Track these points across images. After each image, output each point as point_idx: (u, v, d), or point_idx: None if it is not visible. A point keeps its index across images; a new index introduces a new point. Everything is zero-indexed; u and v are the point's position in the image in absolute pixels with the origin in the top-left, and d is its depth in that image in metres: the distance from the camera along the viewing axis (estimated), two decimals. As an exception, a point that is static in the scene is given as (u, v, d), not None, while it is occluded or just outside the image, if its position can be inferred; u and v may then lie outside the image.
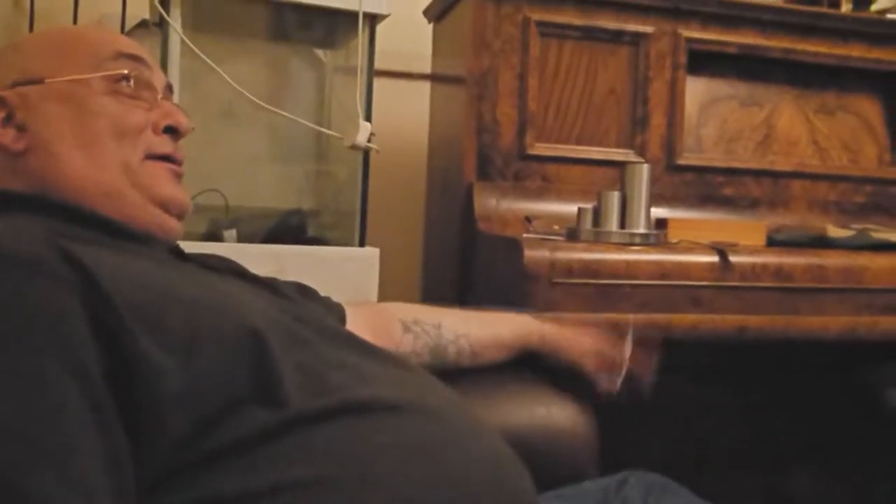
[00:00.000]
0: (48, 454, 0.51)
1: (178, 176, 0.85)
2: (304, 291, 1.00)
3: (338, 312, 1.02)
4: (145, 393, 0.57)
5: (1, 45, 1.54)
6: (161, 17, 1.38)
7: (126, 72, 0.82)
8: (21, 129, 0.79)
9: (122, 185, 0.79)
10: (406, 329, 1.05)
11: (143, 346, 0.58)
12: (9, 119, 0.79)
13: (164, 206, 0.82)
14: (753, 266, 1.44)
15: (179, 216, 0.84)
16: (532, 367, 1.11)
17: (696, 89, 1.76)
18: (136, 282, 0.62)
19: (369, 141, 1.43)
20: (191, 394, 0.59)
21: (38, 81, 0.80)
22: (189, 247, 0.89)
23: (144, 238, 0.79)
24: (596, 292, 1.36)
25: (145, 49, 0.87)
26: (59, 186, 0.77)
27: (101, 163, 0.78)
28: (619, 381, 1.09)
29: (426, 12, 1.91)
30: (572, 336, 1.12)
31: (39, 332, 0.55)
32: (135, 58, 0.84)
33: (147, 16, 1.59)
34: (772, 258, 1.46)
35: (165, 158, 0.84)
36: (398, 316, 1.07)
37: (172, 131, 0.84)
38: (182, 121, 0.85)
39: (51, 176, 0.77)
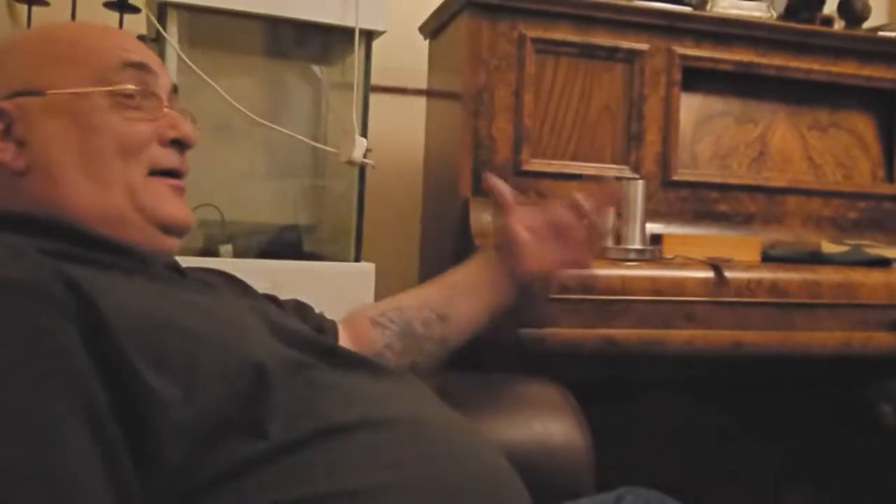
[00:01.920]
0: (54, 496, 0.51)
1: (181, 191, 0.83)
2: (302, 310, 0.99)
3: (332, 331, 1.02)
4: (146, 424, 0.56)
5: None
6: (158, 33, 1.39)
7: (131, 86, 0.79)
8: (21, 143, 0.76)
9: (125, 209, 0.77)
10: (374, 324, 1.04)
11: (144, 378, 0.57)
12: (7, 132, 0.77)
13: (166, 228, 0.80)
14: (748, 282, 1.44)
15: (180, 235, 0.83)
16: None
17: (690, 106, 1.77)
18: (137, 309, 0.61)
19: (365, 156, 1.43)
20: (189, 425, 0.58)
21: (38, 93, 0.77)
22: (185, 262, 0.89)
23: (142, 255, 0.77)
24: (591, 308, 1.36)
25: (145, 47, 0.84)
26: (60, 210, 0.75)
27: (104, 185, 0.76)
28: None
29: (422, 29, 1.92)
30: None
31: (44, 367, 0.54)
32: (140, 66, 0.81)
33: (144, 31, 1.59)
34: (767, 274, 1.46)
35: (169, 172, 0.81)
36: (367, 314, 1.05)
37: (178, 143, 0.82)
38: (188, 132, 0.82)
39: (54, 199, 0.75)
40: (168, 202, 0.80)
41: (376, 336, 1.03)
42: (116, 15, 1.70)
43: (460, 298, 1.07)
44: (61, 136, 0.76)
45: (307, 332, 0.83)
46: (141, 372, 0.57)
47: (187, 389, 0.59)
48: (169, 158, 0.81)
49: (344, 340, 1.02)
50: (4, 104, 0.77)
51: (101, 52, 0.80)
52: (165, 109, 0.82)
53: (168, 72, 0.86)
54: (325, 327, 1.01)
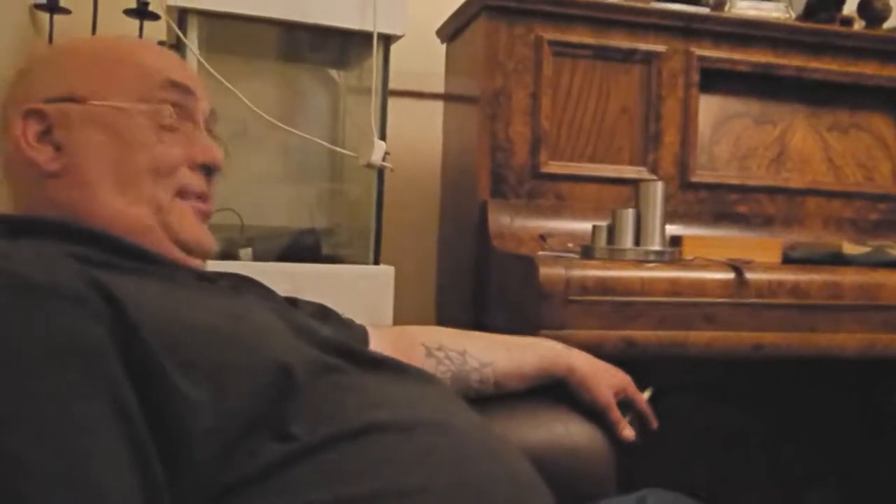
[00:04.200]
0: (83, 498, 0.51)
1: (206, 215, 0.84)
2: (325, 313, 1.00)
3: (361, 334, 1.02)
4: (175, 426, 0.57)
5: (17, 66, 1.55)
6: (178, 39, 1.40)
7: (170, 107, 0.80)
8: (57, 147, 0.78)
9: (151, 224, 0.78)
10: (429, 353, 1.04)
11: (173, 381, 0.57)
12: (46, 134, 0.78)
13: (187, 249, 0.81)
14: (769, 283, 1.43)
15: (203, 257, 0.84)
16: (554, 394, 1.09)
17: (708, 107, 1.76)
18: (164, 314, 0.61)
19: (384, 160, 1.44)
20: (218, 427, 0.59)
21: (81, 101, 0.78)
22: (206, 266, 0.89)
23: (168, 263, 0.78)
24: (611, 309, 1.36)
25: (192, 71, 0.87)
26: (88, 216, 0.76)
27: (132, 200, 0.78)
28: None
29: (439, 32, 1.92)
30: (601, 370, 1.09)
31: (76, 369, 0.54)
32: (184, 88, 0.82)
33: (164, 37, 1.61)
34: (788, 275, 1.45)
35: (197, 196, 0.83)
36: (421, 339, 1.05)
37: (206, 168, 0.84)
38: (218, 159, 0.84)
39: (82, 205, 0.76)
40: (191, 226, 0.82)
41: (428, 365, 1.02)
42: (136, 22, 1.71)
43: (522, 380, 1.07)
44: (98, 147, 0.77)
45: (332, 335, 0.83)
46: (170, 374, 0.57)
47: (215, 391, 0.59)
48: (197, 182, 0.83)
49: (380, 348, 1.00)
50: (47, 108, 0.78)
51: (148, 70, 0.81)
52: (199, 134, 0.84)
53: (207, 94, 0.87)
54: (353, 331, 1.00)
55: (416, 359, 1.02)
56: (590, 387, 1.07)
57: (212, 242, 0.84)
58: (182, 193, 0.81)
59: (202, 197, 0.84)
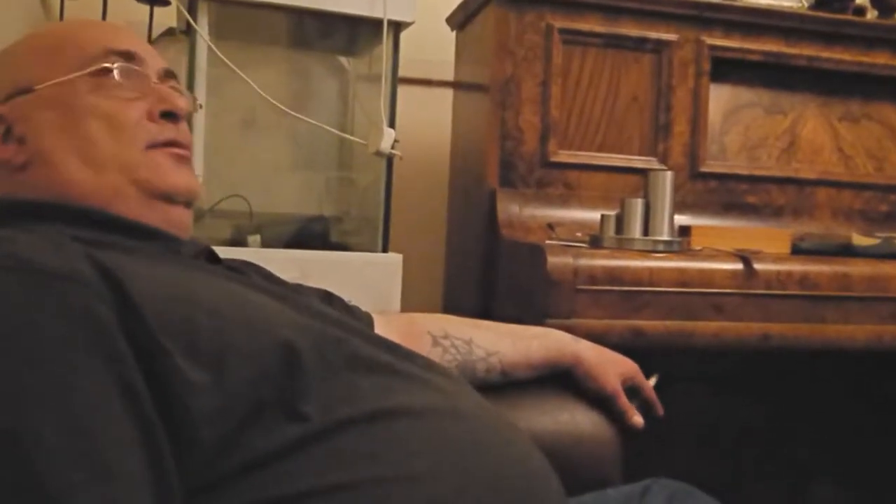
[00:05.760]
0: (92, 474, 0.51)
1: (185, 159, 0.83)
2: (329, 299, 1.00)
3: (366, 320, 1.01)
4: (179, 406, 0.57)
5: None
6: (188, 25, 1.40)
7: (108, 65, 0.79)
8: (21, 141, 0.78)
9: (122, 185, 0.77)
10: (435, 342, 1.04)
11: (176, 363, 0.58)
12: (8, 133, 0.78)
13: (168, 198, 0.80)
14: (778, 274, 1.43)
15: (187, 203, 0.82)
16: (560, 382, 1.10)
17: (719, 97, 1.76)
18: (165, 293, 0.62)
19: (393, 147, 1.44)
20: (222, 409, 0.59)
21: (27, 90, 0.78)
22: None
23: (167, 240, 0.78)
24: (619, 299, 1.36)
25: (137, 37, 0.84)
26: (63, 194, 0.76)
27: (98, 166, 0.77)
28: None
29: (449, 20, 1.92)
30: (608, 360, 1.09)
31: (83, 348, 0.55)
32: (125, 53, 0.81)
33: (174, 23, 1.61)
34: (797, 266, 1.45)
35: (169, 144, 0.81)
36: (427, 328, 1.05)
37: (171, 115, 0.82)
38: (179, 103, 0.82)
39: (54, 186, 0.76)
40: (168, 171, 0.80)
41: (434, 354, 1.02)
42: (147, 8, 1.71)
43: (528, 369, 1.08)
44: (52, 126, 0.77)
45: (339, 315, 0.82)
46: (174, 358, 0.58)
47: (218, 371, 0.59)
48: (164, 132, 0.81)
49: (391, 337, 1.00)
50: (1, 108, 0.79)
51: (86, 41, 0.81)
52: (154, 86, 0.82)
53: (159, 57, 0.86)
54: (358, 317, 1.00)
55: (423, 347, 1.02)
56: (597, 375, 1.07)
57: (192, 184, 0.82)
58: (151, 146, 0.80)
59: (174, 143, 0.82)
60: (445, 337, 1.05)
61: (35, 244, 0.59)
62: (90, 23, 0.86)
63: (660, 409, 1.11)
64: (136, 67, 0.81)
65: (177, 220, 0.81)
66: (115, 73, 0.79)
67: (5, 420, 0.51)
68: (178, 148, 0.82)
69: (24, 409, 0.52)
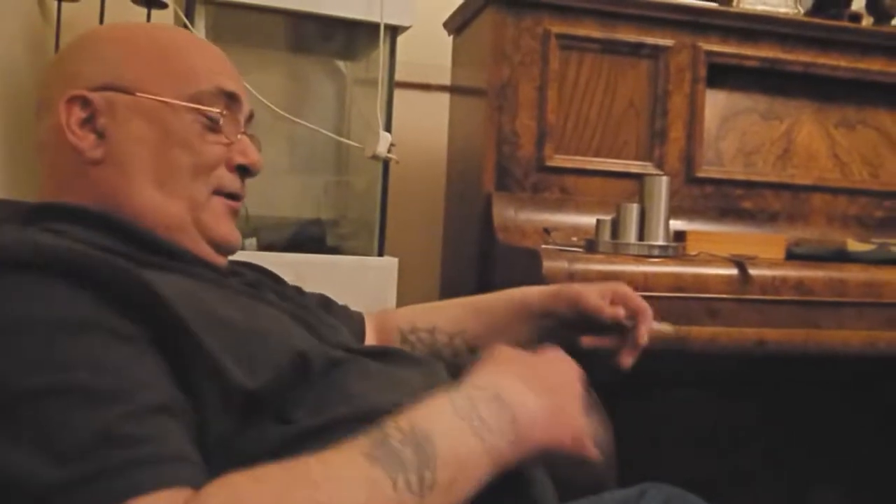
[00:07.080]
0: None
1: (236, 213, 0.86)
2: (327, 303, 1.01)
3: (358, 321, 1.04)
4: (201, 394, 0.61)
5: (27, 55, 1.56)
6: (185, 28, 1.40)
7: (219, 111, 0.81)
8: (100, 135, 0.78)
9: (185, 222, 0.80)
10: (403, 339, 1.07)
11: (215, 355, 0.62)
12: (89, 121, 0.78)
13: (217, 246, 0.83)
14: (773, 279, 1.43)
15: (228, 254, 0.86)
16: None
17: (715, 102, 1.76)
18: (196, 309, 0.65)
19: (389, 151, 1.44)
20: (230, 408, 0.63)
21: (129, 92, 0.79)
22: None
23: (192, 259, 0.80)
24: (614, 304, 1.36)
25: (237, 74, 0.86)
26: (125, 207, 0.77)
27: (171, 195, 0.79)
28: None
29: (446, 25, 1.92)
30: (587, 286, 1.03)
31: (111, 333, 0.59)
32: (232, 96, 0.83)
33: (171, 26, 1.61)
34: (792, 272, 1.45)
35: (232, 196, 0.84)
36: (398, 324, 1.08)
37: (246, 171, 0.85)
38: (256, 161, 0.85)
39: (121, 194, 0.78)
40: (224, 223, 0.83)
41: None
42: (144, 10, 1.71)
43: (496, 335, 1.03)
44: (142, 138, 0.78)
45: (336, 324, 0.87)
46: (211, 349, 0.62)
47: (248, 372, 0.64)
48: (233, 183, 0.84)
49: (370, 336, 1.05)
50: (93, 95, 0.79)
51: (199, 71, 0.82)
52: (240, 136, 0.84)
53: (247, 95, 0.88)
54: (351, 319, 1.03)
55: (393, 344, 1.05)
56: (577, 301, 1.00)
57: (239, 239, 0.86)
58: (217, 192, 0.83)
59: (235, 196, 0.85)
60: (412, 331, 1.07)
61: (68, 247, 0.64)
62: (197, 44, 0.86)
63: (642, 339, 1.02)
64: (238, 116, 0.84)
65: (216, 264, 0.84)
66: (221, 120, 0.81)
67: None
68: (236, 202, 0.85)
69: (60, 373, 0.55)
